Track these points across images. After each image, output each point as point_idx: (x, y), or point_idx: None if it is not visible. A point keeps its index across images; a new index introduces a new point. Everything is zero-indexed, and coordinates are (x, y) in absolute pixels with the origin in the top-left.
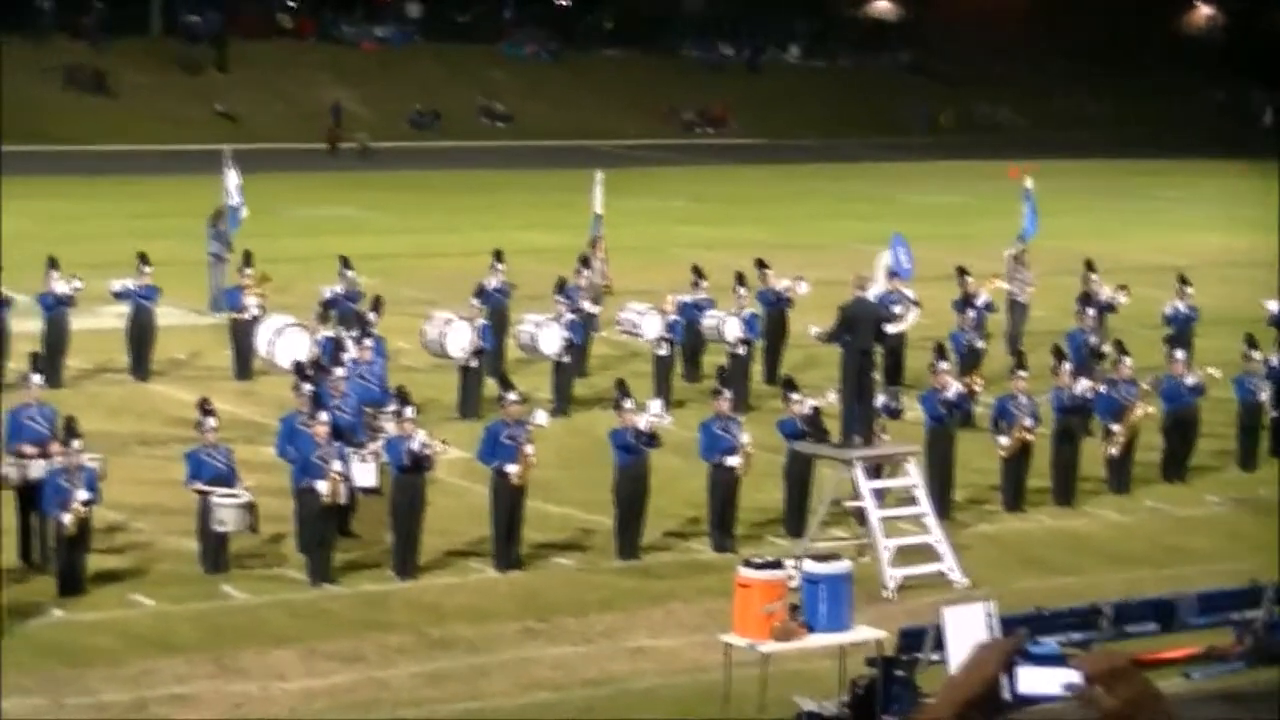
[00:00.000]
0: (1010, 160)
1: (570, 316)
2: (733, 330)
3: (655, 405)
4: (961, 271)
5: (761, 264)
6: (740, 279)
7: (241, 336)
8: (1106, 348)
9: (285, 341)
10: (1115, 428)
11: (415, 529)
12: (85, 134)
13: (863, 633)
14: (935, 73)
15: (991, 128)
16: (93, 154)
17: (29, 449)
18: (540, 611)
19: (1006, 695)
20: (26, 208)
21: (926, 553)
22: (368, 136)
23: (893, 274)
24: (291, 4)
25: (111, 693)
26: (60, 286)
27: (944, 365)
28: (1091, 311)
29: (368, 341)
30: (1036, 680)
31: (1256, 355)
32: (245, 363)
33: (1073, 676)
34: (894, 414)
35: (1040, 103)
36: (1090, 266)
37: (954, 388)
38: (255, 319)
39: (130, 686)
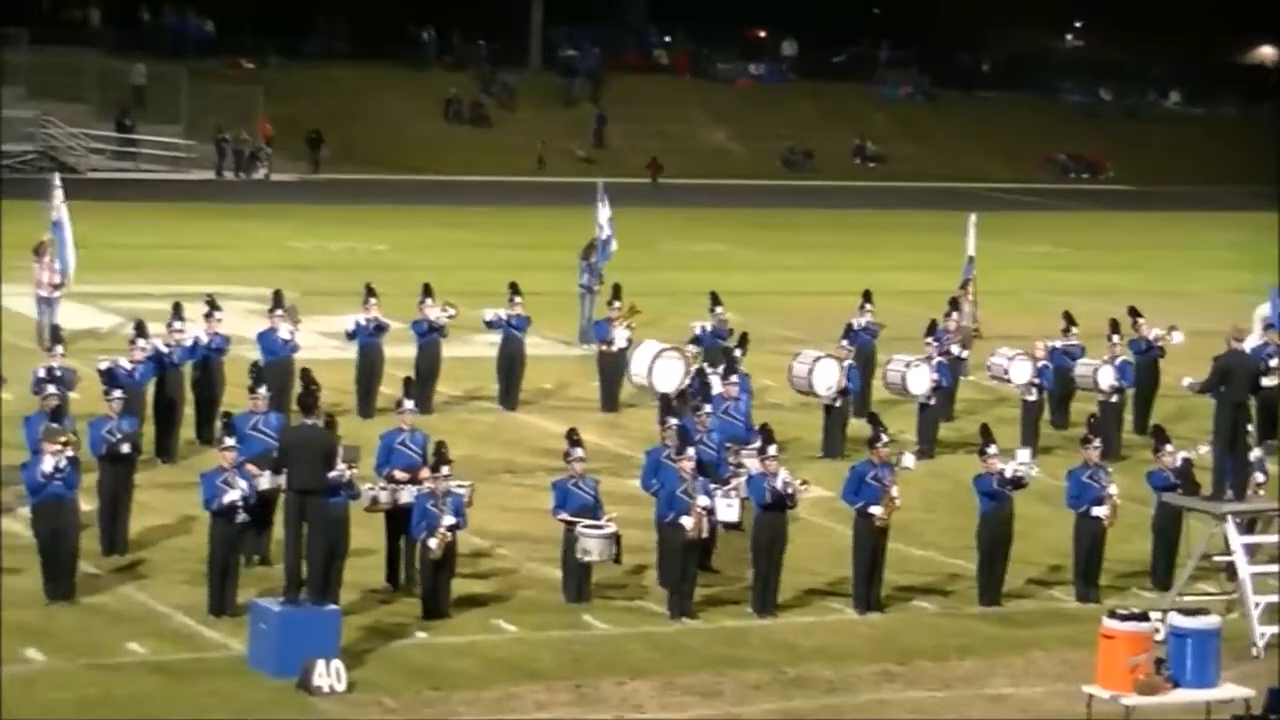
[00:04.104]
0: None
1: (939, 359)
2: (1106, 378)
3: (1024, 454)
4: None
5: (1134, 312)
6: (1114, 326)
7: (609, 368)
8: None
9: (661, 367)
10: None
11: (776, 567)
12: (463, 165)
13: (1229, 690)
14: None
15: None
16: (470, 185)
17: (400, 474)
18: (899, 654)
19: None
20: (404, 236)
21: None
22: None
23: (1269, 326)
24: (668, 40)
25: (473, 716)
26: (434, 314)
27: None
28: None
29: (733, 378)
30: None
31: None
32: (612, 395)
33: None
34: (1266, 470)
35: None
36: None
37: None
38: (622, 351)
39: (491, 710)
